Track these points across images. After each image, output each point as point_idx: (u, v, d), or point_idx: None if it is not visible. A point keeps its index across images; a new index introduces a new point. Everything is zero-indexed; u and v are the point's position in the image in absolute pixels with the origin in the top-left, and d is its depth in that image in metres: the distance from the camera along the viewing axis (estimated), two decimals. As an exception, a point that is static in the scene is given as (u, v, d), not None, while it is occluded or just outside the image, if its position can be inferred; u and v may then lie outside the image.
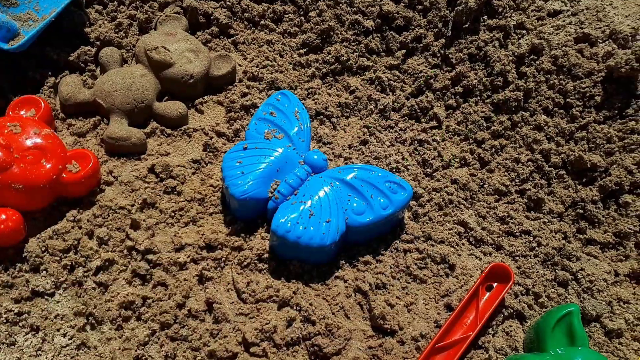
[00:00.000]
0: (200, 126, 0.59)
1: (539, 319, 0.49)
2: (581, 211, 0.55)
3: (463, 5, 0.61)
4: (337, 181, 0.52)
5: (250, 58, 0.64)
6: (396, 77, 0.63)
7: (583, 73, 0.59)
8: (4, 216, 0.48)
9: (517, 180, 0.58)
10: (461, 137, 0.60)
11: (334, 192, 0.51)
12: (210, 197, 0.55)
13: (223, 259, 0.51)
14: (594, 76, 0.58)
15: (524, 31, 0.63)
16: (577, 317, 0.46)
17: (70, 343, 0.47)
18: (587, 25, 0.61)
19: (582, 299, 0.51)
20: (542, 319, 0.48)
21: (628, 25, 0.60)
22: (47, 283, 0.49)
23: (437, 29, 0.64)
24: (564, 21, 0.63)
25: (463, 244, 0.55)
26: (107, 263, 0.50)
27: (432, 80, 0.62)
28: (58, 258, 0.50)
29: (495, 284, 0.51)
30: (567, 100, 0.59)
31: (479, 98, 0.61)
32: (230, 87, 0.62)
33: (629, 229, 0.53)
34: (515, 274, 0.52)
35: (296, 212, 0.49)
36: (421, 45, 0.64)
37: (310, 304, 0.49)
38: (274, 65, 0.63)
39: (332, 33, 0.65)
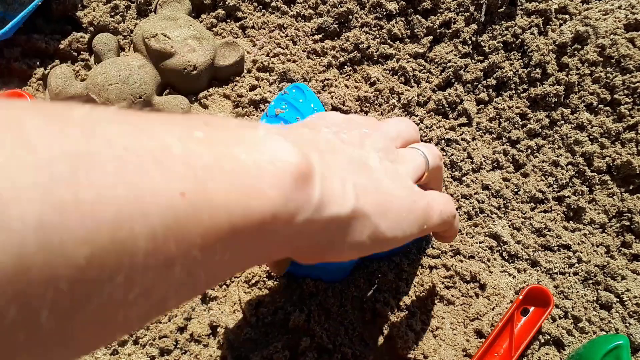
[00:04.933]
0: (204, 123, 0.53)
1: (580, 349, 0.44)
2: (627, 223, 0.50)
3: (499, -13, 0.55)
4: (356, 190, 0.46)
5: (260, 45, 0.58)
6: (422, 67, 0.57)
7: (634, 66, 0.52)
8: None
9: (555, 186, 0.52)
10: (493, 135, 0.54)
11: (353, 204, 0.45)
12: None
13: (229, 275, 0.46)
14: (647, 70, 0.52)
15: (567, 16, 0.56)
16: (626, 351, 0.41)
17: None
18: (639, 10, 0.54)
19: (627, 325, 0.46)
20: (584, 350, 0.43)
21: (687, 11, 0.53)
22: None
23: (468, 13, 0.57)
24: (612, 5, 0.56)
25: (495, 260, 0.49)
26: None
27: (462, 71, 0.56)
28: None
29: (531, 308, 0.45)
30: (615, 96, 0.52)
31: (514, 92, 0.55)
32: (237, 78, 0.56)
33: (683, 246, 0.48)
34: (553, 294, 0.47)
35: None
36: (450, 31, 0.57)
37: (325, 329, 0.44)
38: (286, 54, 0.57)
39: (350, 17, 0.58)
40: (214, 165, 0.18)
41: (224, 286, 0.46)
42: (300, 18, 0.59)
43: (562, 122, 0.53)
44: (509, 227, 0.51)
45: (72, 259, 0.13)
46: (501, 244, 0.49)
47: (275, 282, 0.46)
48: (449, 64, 0.56)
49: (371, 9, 0.58)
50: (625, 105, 0.52)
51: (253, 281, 0.45)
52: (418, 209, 0.29)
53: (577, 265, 0.49)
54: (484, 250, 0.49)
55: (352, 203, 0.24)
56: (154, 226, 0.15)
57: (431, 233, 0.49)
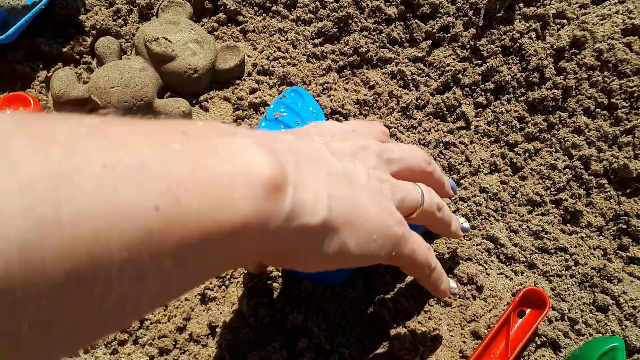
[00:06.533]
0: (204, 126, 0.54)
1: (576, 351, 0.44)
2: (624, 226, 0.50)
3: (497, -8, 0.55)
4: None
5: (260, 48, 0.58)
6: (420, 71, 0.57)
7: (631, 70, 0.52)
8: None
9: (552, 189, 0.52)
10: (491, 139, 0.55)
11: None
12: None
13: (228, 276, 0.47)
14: (644, 74, 0.52)
15: (565, 21, 0.56)
16: (621, 353, 0.41)
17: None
18: (636, 15, 0.55)
19: (624, 327, 0.46)
20: (580, 351, 0.44)
21: (684, 16, 0.53)
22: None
23: (467, 18, 0.57)
24: (610, 10, 0.56)
25: (492, 262, 0.50)
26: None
27: (460, 75, 0.56)
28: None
29: (528, 310, 0.46)
30: (612, 100, 0.53)
31: (512, 96, 0.55)
32: (238, 81, 0.57)
33: (679, 249, 0.48)
34: (550, 297, 0.47)
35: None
36: (449, 35, 0.58)
37: (323, 330, 0.44)
38: (286, 57, 0.58)
39: (350, 21, 0.59)
40: (188, 178, 0.19)
41: (223, 287, 0.46)
42: (300, 22, 0.60)
43: (560, 125, 0.54)
44: (507, 229, 0.51)
45: (53, 275, 0.14)
46: (498, 247, 0.50)
47: (275, 284, 0.46)
48: (447, 68, 0.57)
49: (370, 13, 0.59)
50: (622, 109, 0.52)
51: (252, 282, 0.46)
52: (390, 235, 0.29)
53: (573, 267, 0.49)
54: (482, 252, 0.50)
55: (324, 214, 0.25)
56: (129, 240, 0.16)
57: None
